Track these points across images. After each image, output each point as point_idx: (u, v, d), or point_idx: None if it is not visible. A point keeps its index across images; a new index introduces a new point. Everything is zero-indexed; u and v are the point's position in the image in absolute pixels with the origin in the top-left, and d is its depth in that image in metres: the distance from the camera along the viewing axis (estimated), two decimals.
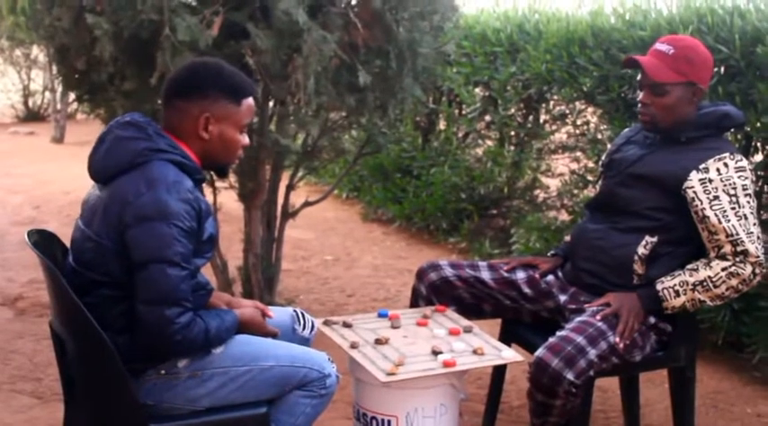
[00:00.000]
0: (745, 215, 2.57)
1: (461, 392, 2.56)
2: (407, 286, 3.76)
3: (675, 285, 2.62)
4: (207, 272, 2.71)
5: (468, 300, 2.94)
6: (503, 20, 5.52)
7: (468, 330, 2.70)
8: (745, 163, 2.63)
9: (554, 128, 5.43)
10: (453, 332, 2.67)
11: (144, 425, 2.21)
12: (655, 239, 2.68)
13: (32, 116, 12.52)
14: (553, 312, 2.87)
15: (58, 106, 10.76)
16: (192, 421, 2.27)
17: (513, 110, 5.48)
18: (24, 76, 12.36)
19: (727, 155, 2.62)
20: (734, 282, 2.57)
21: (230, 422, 2.30)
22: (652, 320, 2.68)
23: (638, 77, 2.76)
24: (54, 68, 8.81)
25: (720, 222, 2.56)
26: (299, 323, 2.59)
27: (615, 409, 3.35)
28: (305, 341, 2.56)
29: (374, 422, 2.52)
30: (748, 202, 2.59)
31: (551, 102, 5.41)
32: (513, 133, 5.70)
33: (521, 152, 5.58)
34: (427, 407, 2.48)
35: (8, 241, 5.73)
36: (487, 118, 5.79)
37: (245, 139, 2.36)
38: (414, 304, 2.99)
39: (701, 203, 2.59)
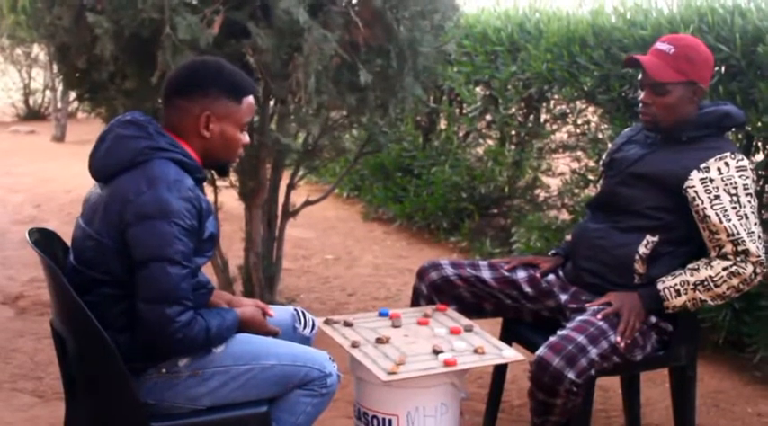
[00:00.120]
0: (746, 214, 2.57)
1: (462, 391, 2.56)
2: (408, 285, 3.76)
3: (676, 284, 2.62)
4: (208, 271, 2.71)
5: (469, 299, 2.94)
6: (503, 19, 5.52)
7: (468, 329, 2.70)
8: (745, 162, 2.63)
9: (555, 127, 5.43)
10: (454, 332, 2.67)
11: (145, 424, 2.21)
12: (656, 238, 2.68)
13: (33, 115, 12.52)
14: (554, 311, 2.87)
15: (59, 105, 10.76)
16: (192, 419, 2.27)
17: (513, 110, 5.48)
18: (25, 75, 12.36)
19: (728, 154, 2.61)
20: (735, 282, 2.57)
21: (231, 421, 2.30)
22: (653, 319, 2.68)
23: (639, 77, 2.76)
24: (55, 67, 8.81)
25: (721, 221, 2.56)
26: (300, 322, 2.59)
27: (616, 408, 3.35)
28: (306, 340, 2.56)
29: (375, 421, 2.52)
30: (749, 202, 2.59)
31: (552, 102, 5.41)
32: (513, 132, 5.70)
33: (521, 151, 5.58)
34: (428, 406, 2.48)
35: (9, 239, 5.73)
36: (488, 117, 5.79)
37: (246, 138, 2.36)
38: (414, 303, 2.99)
39: (702, 202, 2.59)
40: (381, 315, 2.81)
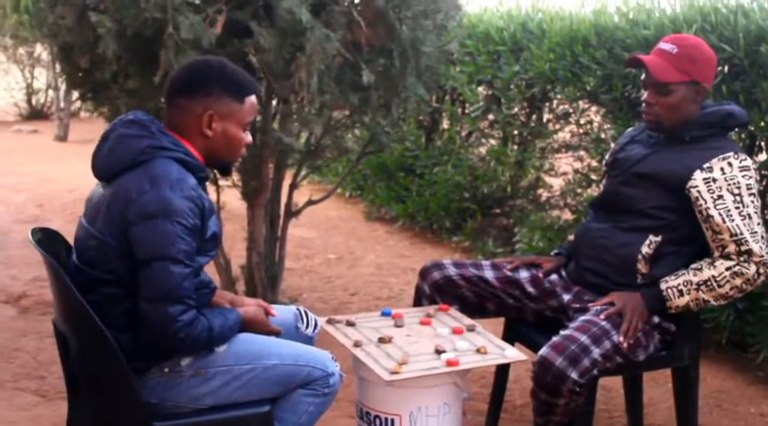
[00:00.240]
0: (749, 214, 2.57)
1: (465, 391, 2.56)
2: (411, 285, 3.76)
3: (679, 284, 2.61)
4: (210, 271, 2.71)
5: (472, 299, 2.94)
6: (506, 18, 5.52)
7: (471, 329, 2.69)
8: (749, 162, 2.63)
9: (557, 127, 5.43)
10: (457, 331, 2.67)
11: (147, 423, 2.21)
12: (659, 238, 2.68)
13: (36, 114, 12.54)
14: (557, 311, 2.87)
15: (62, 104, 10.77)
16: (195, 419, 2.27)
17: (516, 109, 5.48)
18: (28, 74, 12.39)
19: (731, 154, 2.61)
20: (738, 282, 2.57)
21: (233, 421, 2.30)
22: (656, 319, 2.67)
23: (642, 77, 2.76)
24: (57, 66, 8.83)
25: (724, 221, 2.56)
26: (303, 322, 2.59)
27: (619, 408, 3.34)
28: (308, 340, 2.56)
29: (377, 421, 2.52)
30: (752, 202, 2.58)
31: (555, 101, 5.41)
32: (516, 132, 5.70)
33: (524, 151, 5.58)
34: (431, 406, 2.48)
35: (12, 239, 5.74)
36: (491, 117, 5.78)
37: (248, 137, 2.36)
38: (417, 303, 2.99)
39: (705, 202, 2.58)
40: (384, 314, 2.81)
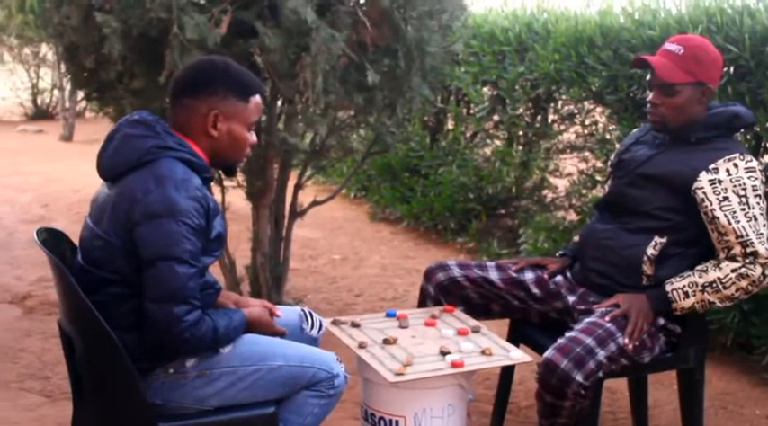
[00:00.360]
0: (754, 216, 2.56)
1: (469, 392, 2.55)
2: (415, 286, 3.76)
3: (685, 286, 2.61)
4: (215, 271, 2.71)
5: (477, 300, 2.94)
6: (511, 19, 5.52)
7: (476, 330, 2.69)
8: (754, 163, 2.62)
9: (562, 127, 5.42)
10: (461, 333, 2.66)
11: (152, 424, 2.21)
12: (664, 240, 2.67)
13: (41, 114, 12.56)
14: (562, 312, 2.86)
15: (67, 104, 10.80)
16: (200, 420, 2.27)
17: (521, 110, 5.48)
18: (33, 74, 12.41)
19: (736, 155, 2.60)
20: (743, 283, 2.56)
21: (238, 422, 2.29)
22: (661, 321, 2.67)
23: (648, 77, 2.75)
24: (63, 66, 8.83)
25: (730, 223, 2.55)
26: (307, 323, 2.59)
27: (624, 410, 3.33)
28: (313, 341, 2.56)
29: (382, 423, 2.52)
30: (758, 203, 2.58)
31: (560, 102, 5.40)
32: (521, 133, 5.69)
33: (529, 152, 5.57)
34: (435, 407, 2.48)
35: (17, 239, 5.75)
36: (496, 117, 5.78)
37: (253, 137, 2.36)
38: (422, 304, 2.98)
39: (711, 204, 2.58)
40: (388, 315, 2.81)
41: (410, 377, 2.36)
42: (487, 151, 6.07)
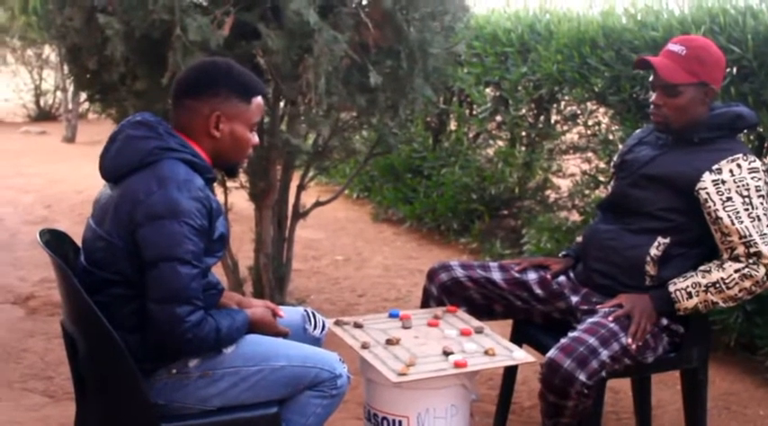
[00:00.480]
0: (758, 216, 2.56)
1: (472, 392, 2.55)
2: (418, 286, 3.75)
3: (688, 286, 2.61)
4: (218, 272, 2.72)
5: (479, 301, 2.94)
6: (513, 20, 5.52)
7: (479, 330, 2.69)
8: (758, 164, 2.62)
9: (565, 128, 5.42)
10: (464, 333, 2.66)
11: (155, 424, 2.21)
12: (667, 240, 2.67)
13: (44, 115, 12.59)
14: (565, 313, 2.86)
15: (70, 106, 10.81)
16: (202, 420, 2.27)
17: (524, 111, 5.48)
18: (36, 76, 12.44)
19: (740, 155, 2.60)
20: (747, 284, 2.56)
21: (241, 422, 2.29)
22: (664, 321, 2.66)
23: (651, 78, 2.75)
24: (65, 68, 8.85)
25: (733, 223, 2.55)
26: (310, 323, 2.59)
27: (627, 410, 3.33)
28: (316, 342, 2.56)
29: (385, 423, 2.52)
30: (761, 203, 2.57)
31: (562, 103, 5.41)
32: (524, 133, 5.69)
33: (532, 152, 5.57)
34: (438, 408, 2.48)
35: (20, 240, 5.75)
36: (498, 118, 5.78)
37: (255, 138, 2.37)
38: (424, 304, 2.98)
39: (714, 204, 2.57)
40: (391, 316, 2.81)
41: (413, 377, 2.36)
42: (490, 152, 6.07)
